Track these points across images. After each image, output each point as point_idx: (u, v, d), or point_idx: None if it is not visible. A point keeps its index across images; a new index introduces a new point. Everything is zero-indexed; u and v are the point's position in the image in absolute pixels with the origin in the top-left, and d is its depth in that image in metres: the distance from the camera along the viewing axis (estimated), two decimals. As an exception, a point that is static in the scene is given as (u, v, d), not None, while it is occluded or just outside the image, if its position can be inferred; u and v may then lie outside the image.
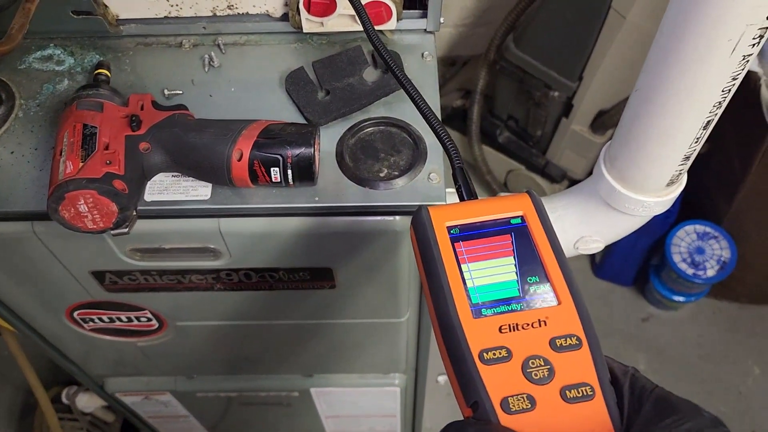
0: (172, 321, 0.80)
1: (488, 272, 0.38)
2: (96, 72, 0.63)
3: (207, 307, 0.77)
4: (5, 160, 0.61)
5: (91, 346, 0.87)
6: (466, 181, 0.45)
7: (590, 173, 1.64)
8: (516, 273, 0.38)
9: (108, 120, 0.57)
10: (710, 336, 1.69)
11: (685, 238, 1.56)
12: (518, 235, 0.40)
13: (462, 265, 0.38)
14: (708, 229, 1.55)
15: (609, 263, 1.72)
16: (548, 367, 0.34)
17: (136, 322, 0.80)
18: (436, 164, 0.61)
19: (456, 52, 1.80)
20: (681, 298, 1.64)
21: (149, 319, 0.79)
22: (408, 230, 0.62)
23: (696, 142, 0.54)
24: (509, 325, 0.36)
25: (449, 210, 0.41)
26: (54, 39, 0.69)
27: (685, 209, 1.54)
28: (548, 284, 0.38)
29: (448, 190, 0.63)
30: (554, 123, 1.57)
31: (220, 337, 0.85)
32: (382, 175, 0.60)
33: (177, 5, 0.67)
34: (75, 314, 0.78)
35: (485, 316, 0.36)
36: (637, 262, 1.69)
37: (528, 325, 0.36)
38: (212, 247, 0.64)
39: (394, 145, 0.62)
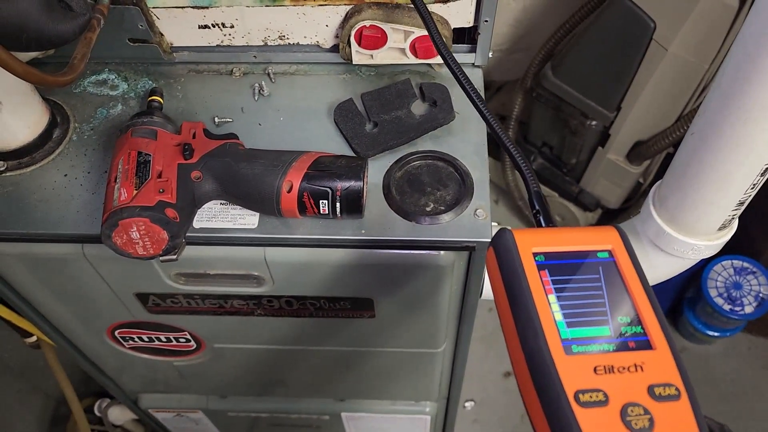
0: (210, 343, 0.81)
1: (577, 306, 0.36)
2: (150, 99, 0.65)
3: (246, 331, 0.77)
4: (59, 183, 0.63)
5: (128, 363, 0.88)
6: (545, 207, 0.43)
7: (625, 203, 1.61)
8: (607, 311, 0.36)
9: (161, 148, 0.58)
10: (744, 372, 1.65)
11: (722, 272, 1.53)
12: (606, 270, 0.37)
13: (549, 296, 0.36)
14: (746, 264, 1.52)
15: (642, 294, 1.69)
16: (648, 416, 0.32)
17: (174, 343, 0.81)
18: (482, 200, 0.60)
19: (490, 78, 1.80)
20: (715, 333, 1.60)
21: (188, 340, 0.80)
22: (452, 265, 0.62)
23: (752, 188, 0.53)
24: (604, 366, 0.34)
25: (534, 235, 0.39)
26: (108, 64, 0.71)
27: (722, 243, 1.51)
28: (641, 326, 0.35)
29: (493, 224, 0.63)
30: (590, 152, 1.56)
31: (256, 360, 0.86)
32: (428, 209, 0.60)
33: (229, 34, 0.68)
34: (116, 333, 0.79)
35: (577, 353, 0.34)
36: (670, 295, 1.66)
37: (624, 368, 0.34)
38: (256, 274, 0.64)
39: (441, 179, 0.62)
